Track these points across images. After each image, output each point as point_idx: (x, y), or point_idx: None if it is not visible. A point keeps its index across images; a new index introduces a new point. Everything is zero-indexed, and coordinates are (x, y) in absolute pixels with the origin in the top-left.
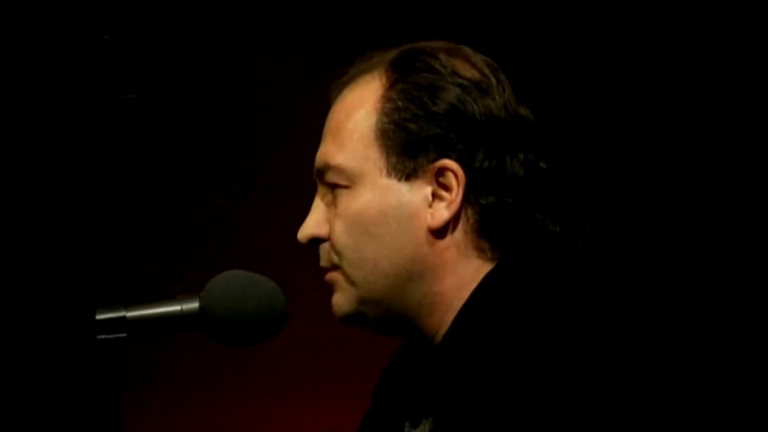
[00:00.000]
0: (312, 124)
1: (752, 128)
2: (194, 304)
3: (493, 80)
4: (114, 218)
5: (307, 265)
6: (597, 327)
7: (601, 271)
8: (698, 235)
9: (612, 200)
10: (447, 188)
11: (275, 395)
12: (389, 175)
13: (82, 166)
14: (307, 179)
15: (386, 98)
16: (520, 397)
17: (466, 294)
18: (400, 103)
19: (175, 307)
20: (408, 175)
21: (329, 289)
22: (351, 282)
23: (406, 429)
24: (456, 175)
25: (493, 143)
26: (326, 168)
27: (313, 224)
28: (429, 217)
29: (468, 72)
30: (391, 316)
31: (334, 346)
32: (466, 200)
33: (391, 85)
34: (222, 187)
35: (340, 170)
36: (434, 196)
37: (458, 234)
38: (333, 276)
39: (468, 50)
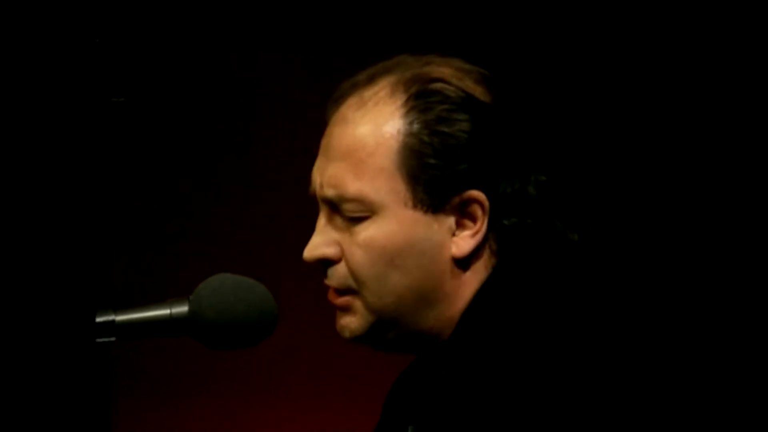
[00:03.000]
0: (305, 126)
1: (752, 128)
2: (184, 308)
3: (498, 95)
4: (103, 221)
5: (298, 268)
6: (594, 329)
7: (600, 273)
8: (699, 236)
9: (610, 201)
10: (472, 218)
11: (267, 399)
12: (414, 207)
13: (71, 169)
14: (299, 182)
15: (407, 133)
16: (515, 399)
17: None
18: (424, 138)
19: (164, 311)
20: (435, 207)
21: (319, 291)
22: (369, 309)
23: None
24: (482, 206)
25: (512, 167)
26: (341, 199)
27: (322, 245)
28: (454, 247)
29: (480, 94)
30: (402, 339)
31: (327, 349)
32: (489, 227)
33: (409, 118)
34: (212, 191)
35: (359, 201)
36: (458, 225)
37: (481, 260)
38: (347, 300)
39: (467, 65)
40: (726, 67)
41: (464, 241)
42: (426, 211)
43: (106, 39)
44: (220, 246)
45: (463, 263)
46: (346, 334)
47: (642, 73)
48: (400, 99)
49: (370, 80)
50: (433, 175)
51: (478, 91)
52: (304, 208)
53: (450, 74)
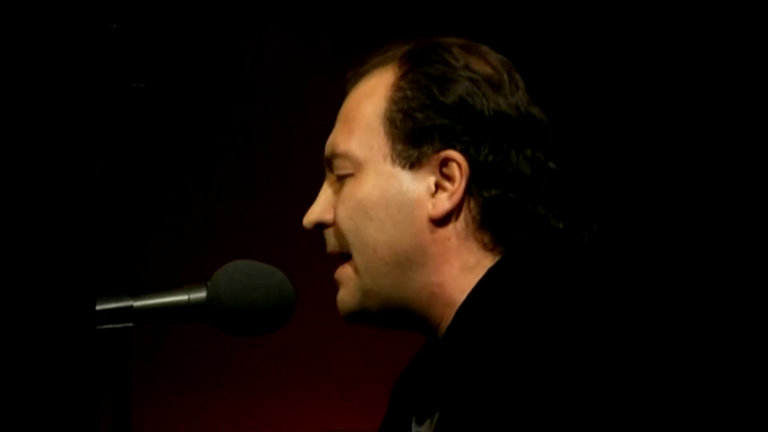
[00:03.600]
0: (322, 115)
1: (752, 128)
2: (201, 294)
3: (506, 78)
4: (121, 208)
5: (315, 255)
6: (598, 324)
7: (603, 269)
8: (699, 235)
9: (616, 200)
10: (450, 179)
11: (285, 389)
12: (393, 162)
13: (89, 155)
14: (316, 169)
15: (396, 87)
16: (522, 393)
17: (465, 286)
18: (409, 92)
19: (182, 297)
20: (412, 163)
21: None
22: (356, 272)
23: (413, 425)
24: (459, 167)
25: (499, 138)
26: (333, 156)
27: (319, 209)
28: (430, 207)
29: (481, 68)
30: (392, 309)
31: (345, 340)
32: (468, 192)
33: (402, 75)
34: (230, 177)
35: (345, 157)
36: (437, 186)
37: (459, 225)
38: (342, 269)
39: (485, 48)
40: (723, 57)
41: (441, 202)
42: (404, 167)
43: (124, 24)
44: (238, 232)
45: (441, 225)
46: (341, 310)
47: (648, 72)
48: (399, 63)
49: (383, 55)
50: (411, 129)
51: (480, 65)
52: None
53: (456, 44)
